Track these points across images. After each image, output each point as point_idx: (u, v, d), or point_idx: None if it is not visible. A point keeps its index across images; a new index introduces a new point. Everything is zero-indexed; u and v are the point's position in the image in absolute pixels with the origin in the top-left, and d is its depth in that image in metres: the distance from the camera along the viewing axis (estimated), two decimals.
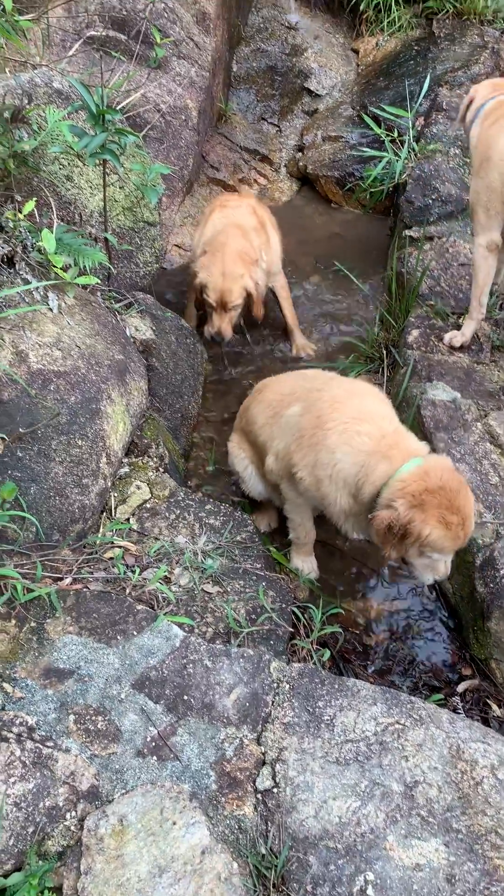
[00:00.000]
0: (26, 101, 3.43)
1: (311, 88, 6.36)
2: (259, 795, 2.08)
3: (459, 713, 2.70)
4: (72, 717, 2.20)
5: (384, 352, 3.97)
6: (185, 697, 2.28)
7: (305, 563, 3.19)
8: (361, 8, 6.46)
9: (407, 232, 4.60)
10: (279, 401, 3.03)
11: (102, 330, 3.18)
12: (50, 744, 2.10)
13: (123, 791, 2.05)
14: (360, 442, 2.62)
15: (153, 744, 2.17)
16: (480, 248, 3.43)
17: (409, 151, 5.14)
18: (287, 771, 2.12)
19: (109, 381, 3.00)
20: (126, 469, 3.12)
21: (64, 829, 1.97)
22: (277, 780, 2.11)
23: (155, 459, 3.23)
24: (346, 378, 3.19)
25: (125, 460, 3.15)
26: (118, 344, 3.21)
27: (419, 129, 5.28)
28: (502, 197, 3.23)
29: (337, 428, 2.67)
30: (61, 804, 2.00)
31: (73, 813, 2.00)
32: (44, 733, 2.13)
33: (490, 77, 5.41)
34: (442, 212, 4.64)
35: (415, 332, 3.82)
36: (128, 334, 3.44)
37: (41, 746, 2.07)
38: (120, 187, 3.81)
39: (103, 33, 4.83)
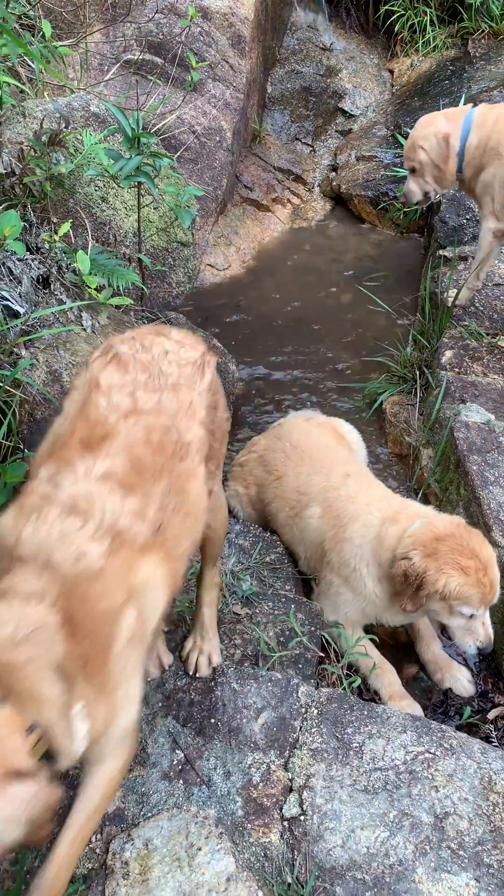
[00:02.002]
0: (64, 125, 3.50)
1: (346, 109, 6.40)
2: (286, 823, 2.06)
3: (493, 741, 2.65)
4: None
5: (417, 372, 3.94)
6: (213, 721, 2.26)
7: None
8: (396, 29, 6.50)
9: (441, 252, 4.58)
10: (298, 500, 3.02)
11: None
12: (77, 767, 2.10)
13: (149, 815, 2.04)
14: (371, 518, 2.74)
15: (179, 767, 2.15)
16: None
17: None
18: (314, 798, 2.09)
19: None
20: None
21: (89, 852, 1.97)
22: (304, 807, 2.08)
23: None
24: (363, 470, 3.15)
25: None
26: None
27: None
28: None
29: (353, 516, 2.79)
30: None
31: (99, 835, 2.00)
32: None
33: None
34: (476, 231, 4.61)
35: (448, 353, 3.79)
36: None
37: None
38: (154, 208, 3.86)
39: (140, 57, 4.92)
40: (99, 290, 3.08)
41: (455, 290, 3.99)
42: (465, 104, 5.46)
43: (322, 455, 3.10)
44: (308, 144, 6.28)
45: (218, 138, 5.05)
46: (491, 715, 2.74)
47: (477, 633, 2.55)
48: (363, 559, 2.73)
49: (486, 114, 3.59)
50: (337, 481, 2.94)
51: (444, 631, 2.65)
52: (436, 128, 3.65)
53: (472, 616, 2.51)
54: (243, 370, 4.32)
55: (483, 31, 6.16)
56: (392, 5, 6.38)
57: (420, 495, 3.53)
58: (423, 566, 2.45)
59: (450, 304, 3.96)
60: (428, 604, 2.51)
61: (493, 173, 3.51)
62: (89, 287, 3.02)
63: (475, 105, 3.71)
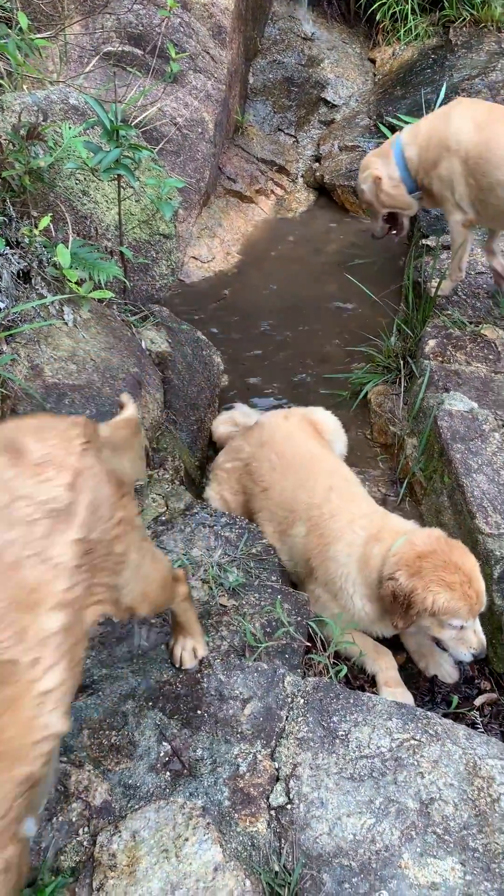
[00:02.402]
0: (42, 119, 3.48)
1: (328, 99, 6.38)
2: (272, 812, 2.07)
3: (478, 728, 2.67)
4: (86, 732, 2.20)
5: (401, 362, 3.95)
6: (199, 712, 2.27)
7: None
8: (378, 18, 6.47)
9: (424, 241, 4.58)
10: (284, 517, 3.02)
11: (117, 343, 3.20)
12: (63, 758, 2.11)
13: (136, 807, 2.05)
14: (355, 537, 2.76)
15: (166, 759, 2.16)
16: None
17: None
18: (301, 787, 2.11)
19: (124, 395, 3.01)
20: (142, 482, 3.13)
21: (77, 845, 1.97)
22: (291, 796, 2.09)
23: (171, 472, 3.24)
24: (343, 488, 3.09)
25: None
26: (133, 357, 3.23)
27: None
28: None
29: (337, 536, 2.81)
30: (74, 819, 2.00)
31: (86, 828, 2.00)
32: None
33: None
34: None
35: (431, 342, 3.79)
36: (143, 347, 3.46)
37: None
38: (136, 201, 3.84)
39: (120, 49, 4.89)
40: (80, 283, 3.07)
41: (437, 280, 4.00)
42: (446, 93, 5.48)
43: (306, 467, 3.08)
44: (291, 135, 6.26)
45: (200, 130, 5.03)
46: (477, 702, 2.76)
47: (470, 641, 2.56)
48: (349, 579, 2.75)
49: (415, 130, 3.80)
50: (320, 498, 2.93)
51: (438, 644, 2.66)
52: (369, 171, 3.90)
53: (462, 627, 2.53)
54: (228, 362, 4.32)
55: (464, 19, 6.15)
56: None
57: (405, 484, 3.55)
58: (410, 586, 2.48)
59: (433, 294, 3.96)
60: (418, 621, 2.54)
61: (445, 167, 3.61)
62: (70, 281, 3.00)
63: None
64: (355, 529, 2.79)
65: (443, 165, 3.62)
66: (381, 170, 3.84)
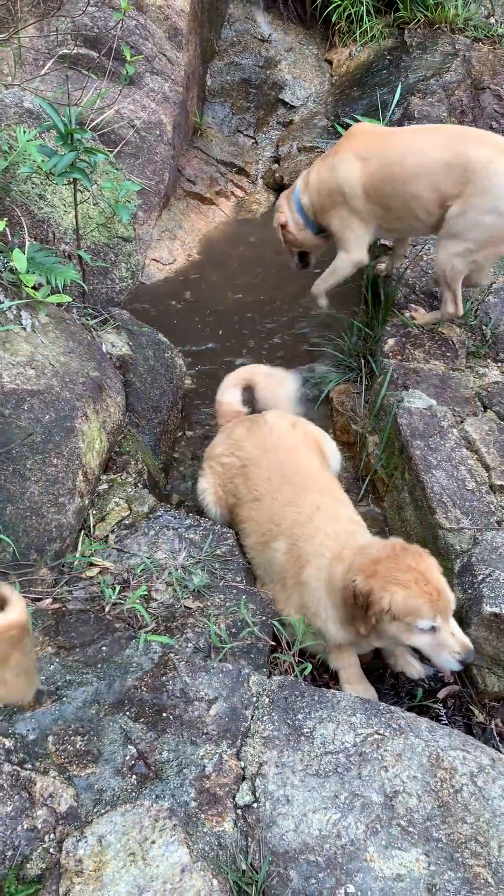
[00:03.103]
0: None
1: (286, 100, 6.42)
2: (239, 811, 2.08)
3: (442, 720, 2.71)
4: (50, 739, 2.19)
5: (362, 361, 3.99)
6: (165, 715, 2.28)
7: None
8: (333, 19, 6.53)
9: (382, 241, 4.62)
10: (269, 529, 2.98)
11: (77, 347, 3.19)
12: (28, 766, 2.10)
13: (102, 812, 2.05)
14: (322, 560, 2.74)
15: (132, 763, 2.16)
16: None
17: None
18: (267, 785, 2.12)
19: (84, 399, 3.00)
20: (105, 486, 3.13)
21: (43, 852, 1.97)
22: (257, 794, 2.10)
23: (134, 475, 3.23)
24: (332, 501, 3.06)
25: (104, 477, 3.15)
26: (93, 361, 3.22)
27: None
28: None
29: (309, 558, 2.79)
30: (40, 826, 2.00)
31: (52, 835, 2.00)
32: (22, 755, 2.13)
33: (461, 84, 5.48)
34: None
35: (391, 341, 3.84)
36: (104, 350, 3.45)
37: (19, 769, 2.07)
38: (94, 204, 3.82)
39: (75, 51, 4.86)
40: (37, 288, 3.05)
41: (395, 281, 4.05)
42: (401, 94, 5.54)
43: (302, 482, 3.04)
44: (250, 136, 6.29)
45: (158, 132, 5.02)
46: (440, 694, 2.80)
47: (450, 646, 2.47)
48: (321, 604, 2.72)
49: (306, 178, 4.00)
50: (305, 516, 2.90)
51: (423, 659, 2.60)
52: (276, 217, 4.19)
53: (433, 629, 2.46)
54: (191, 364, 4.32)
55: (419, 20, 6.23)
56: None
57: (367, 482, 3.58)
58: (367, 587, 2.46)
59: (388, 293, 4.01)
60: (383, 626, 2.50)
61: (345, 211, 3.81)
62: (27, 286, 2.98)
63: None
64: (323, 552, 2.76)
65: (341, 210, 3.82)
66: (287, 214, 4.11)
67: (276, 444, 3.17)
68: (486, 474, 3.16)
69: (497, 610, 2.64)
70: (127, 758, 2.17)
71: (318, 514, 2.89)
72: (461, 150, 3.45)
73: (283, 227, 4.15)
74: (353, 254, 3.92)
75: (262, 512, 3.04)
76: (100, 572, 2.75)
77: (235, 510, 3.17)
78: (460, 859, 1.99)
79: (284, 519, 2.94)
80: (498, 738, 2.64)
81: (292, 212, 4.08)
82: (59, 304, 3.27)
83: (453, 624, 2.50)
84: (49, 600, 2.61)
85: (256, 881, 1.94)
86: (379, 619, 2.48)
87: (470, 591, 2.76)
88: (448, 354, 3.76)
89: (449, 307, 3.73)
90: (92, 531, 2.94)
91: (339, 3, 6.42)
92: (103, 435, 3.10)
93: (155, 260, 5.05)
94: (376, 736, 2.24)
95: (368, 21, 6.43)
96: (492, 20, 6.30)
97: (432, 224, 3.67)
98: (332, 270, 4.06)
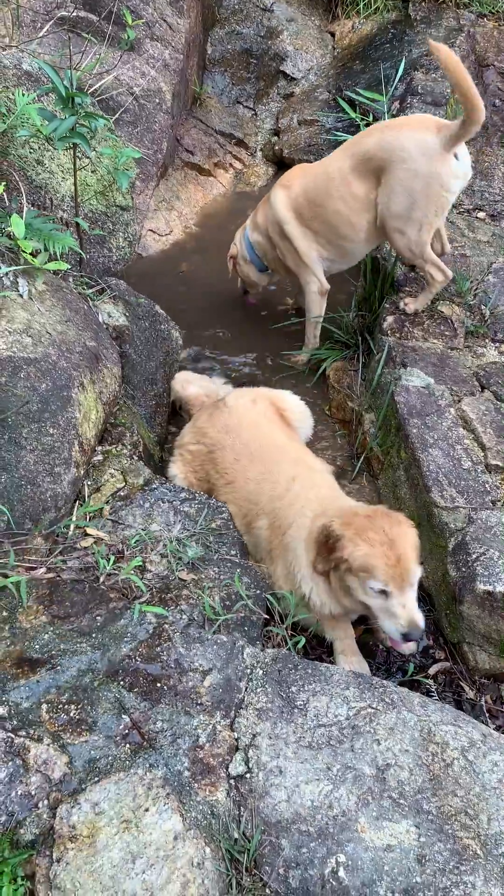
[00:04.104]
0: None
1: (287, 72, 6.32)
2: (232, 781, 2.09)
3: (433, 696, 2.74)
4: (45, 706, 2.19)
5: (359, 338, 3.97)
6: (159, 685, 2.28)
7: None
8: None
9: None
10: (249, 510, 3.02)
11: (74, 316, 3.15)
12: (22, 733, 2.10)
13: (97, 779, 2.05)
14: (304, 519, 2.78)
15: (126, 732, 2.17)
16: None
17: None
18: (260, 756, 2.13)
19: (81, 368, 2.97)
20: (100, 457, 3.11)
21: (36, 818, 1.97)
22: (250, 765, 2.12)
23: (129, 447, 3.21)
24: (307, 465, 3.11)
25: (99, 448, 3.13)
26: (90, 330, 3.19)
27: (394, 112, 5.26)
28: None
29: (291, 522, 2.83)
30: (34, 792, 2.00)
31: (46, 801, 2.00)
32: (16, 723, 2.13)
33: (464, 60, 5.41)
34: None
35: (389, 319, 3.82)
36: (100, 320, 3.42)
37: (13, 736, 2.07)
38: (92, 171, 3.77)
39: (74, 14, 4.76)
40: (35, 254, 3.00)
41: (393, 259, 4.02)
42: (405, 69, 5.47)
43: (271, 458, 3.07)
44: (250, 108, 6.20)
45: (157, 100, 4.94)
46: (431, 670, 2.83)
47: (397, 615, 2.46)
48: (299, 561, 2.75)
49: (254, 219, 4.18)
50: (282, 489, 2.94)
51: (371, 615, 2.62)
52: (231, 250, 4.39)
53: (385, 593, 2.47)
54: (187, 336, 4.29)
55: None
56: None
57: (362, 459, 3.58)
58: (339, 532, 2.52)
59: (389, 270, 3.99)
60: (341, 575, 2.56)
61: (288, 243, 3.96)
62: (24, 252, 2.94)
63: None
64: (305, 512, 2.80)
65: (286, 243, 3.98)
66: (237, 247, 4.32)
67: (237, 425, 3.22)
68: (482, 454, 3.16)
69: (490, 588, 2.65)
70: (121, 727, 2.17)
71: (296, 484, 2.93)
72: (368, 144, 3.58)
73: (233, 258, 4.38)
74: (312, 284, 4.06)
75: (238, 494, 3.08)
76: (94, 543, 2.74)
77: (214, 495, 3.19)
78: (450, 831, 2.01)
79: (262, 496, 2.99)
80: (487, 715, 2.67)
81: (242, 247, 4.27)
82: (56, 272, 3.22)
83: (410, 597, 2.49)
84: (43, 569, 2.60)
85: (248, 849, 1.95)
86: (338, 566, 2.53)
87: (464, 570, 2.77)
88: (447, 333, 3.75)
89: (435, 275, 3.73)
90: (87, 502, 2.92)
91: None
92: (99, 405, 3.07)
93: (152, 230, 4.99)
94: (369, 710, 2.25)
95: None
96: None
97: (362, 239, 3.81)
98: (307, 310, 4.18)
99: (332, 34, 6.63)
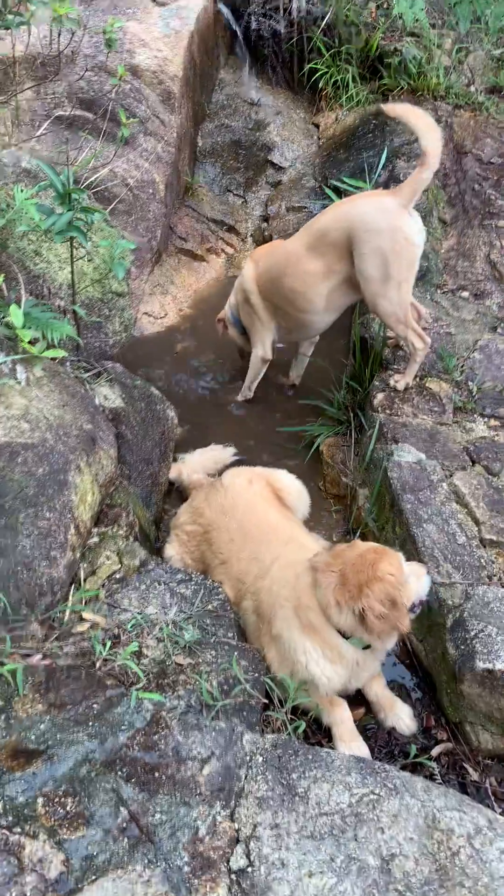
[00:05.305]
0: None
1: (275, 161, 6.60)
2: (233, 876, 2.03)
3: (436, 779, 2.68)
4: (41, 800, 2.14)
5: (351, 414, 4.04)
6: (157, 774, 2.24)
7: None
8: (320, 85, 6.75)
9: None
10: (238, 589, 3.06)
11: (71, 400, 3.21)
12: (17, 829, 2.05)
13: (94, 877, 2.00)
14: (286, 609, 2.79)
15: (124, 825, 2.11)
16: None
17: None
18: (261, 848, 2.08)
19: (78, 451, 3.02)
20: (96, 539, 3.12)
21: None
22: (252, 858, 2.06)
23: (125, 528, 3.23)
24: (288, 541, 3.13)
25: (95, 530, 3.14)
26: (87, 413, 3.24)
27: None
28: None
29: (275, 613, 2.84)
30: (29, 894, 1.94)
31: None
32: (11, 818, 2.08)
33: (443, 148, 5.67)
34: None
35: (380, 396, 3.90)
36: (97, 403, 3.48)
37: (7, 833, 2.02)
38: (88, 260, 3.90)
39: (71, 113, 5.00)
40: (33, 343, 3.08)
41: (381, 337, 4.12)
42: (387, 157, 5.73)
43: (263, 538, 3.10)
44: (240, 196, 6.45)
45: (151, 190, 5.15)
46: (434, 752, 2.78)
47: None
48: (298, 647, 2.73)
49: (235, 285, 4.48)
50: (264, 569, 2.97)
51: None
52: (220, 313, 4.68)
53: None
54: (183, 416, 4.35)
55: (402, 87, 6.46)
56: (315, 63, 6.65)
57: (357, 534, 3.60)
58: (323, 560, 2.70)
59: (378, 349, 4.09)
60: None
61: (248, 308, 4.30)
62: (23, 341, 3.02)
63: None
64: (282, 602, 2.80)
65: (247, 307, 4.31)
66: (225, 311, 4.63)
67: (232, 505, 3.25)
68: (476, 528, 3.18)
69: (490, 666, 2.63)
70: (119, 820, 2.12)
71: (276, 565, 2.95)
72: (324, 220, 3.81)
73: (221, 321, 4.68)
74: (258, 349, 4.37)
75: (230, 573, 3.09)
76: (90, 627, 2.73)
77: (209, 575, 3.19)
78: None
79: (248, 575, 3.01)
80: (493, 798, 2.61)
81: (228, 310, 4.60)
82: (53, 358, 3.30)
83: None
84: (39, 656, 2.57)
85: None
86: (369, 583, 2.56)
87: (462, 647, 2.76)
88: (436, 409, 3.82)
89: (416, 343, 3.82)
90: (83, 585, 2.92)
91: (326, 70, 6.66)
92: (95, 487, 3.11)
93: (147, 314, 5.12)
94: (372, 796, 2.21)
95: (353, 87, 6.66)
96: (472, 88, 6.55)
97: (319, 310, 3.99)
98: (250, 368, 4.51)
99: (317, 125, 6.95)
